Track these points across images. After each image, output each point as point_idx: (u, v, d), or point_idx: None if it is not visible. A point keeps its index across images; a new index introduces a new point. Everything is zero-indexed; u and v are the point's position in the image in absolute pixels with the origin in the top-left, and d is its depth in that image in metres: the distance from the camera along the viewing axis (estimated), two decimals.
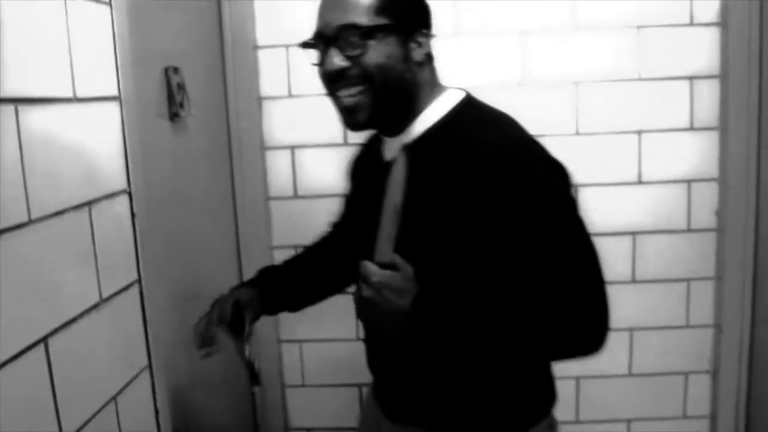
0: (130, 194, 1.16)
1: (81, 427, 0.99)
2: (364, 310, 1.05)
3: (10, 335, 0.83)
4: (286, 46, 2.02)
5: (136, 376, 1.17)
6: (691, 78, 2.04)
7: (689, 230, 2.10)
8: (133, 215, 1.17)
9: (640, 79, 2.04)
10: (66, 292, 0.96)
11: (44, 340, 0.91)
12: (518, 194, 1.08)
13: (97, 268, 1.05)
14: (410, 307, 1.04)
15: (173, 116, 1.53)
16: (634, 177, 2.08)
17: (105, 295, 1.07)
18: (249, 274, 1.51)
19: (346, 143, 2.04)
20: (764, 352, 2.06)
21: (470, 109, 1.21)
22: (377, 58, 1.10)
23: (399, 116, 1.18)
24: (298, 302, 1.48)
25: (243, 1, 1.97)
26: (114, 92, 1.12)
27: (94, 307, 1.04)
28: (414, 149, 1.13)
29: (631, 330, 2.16)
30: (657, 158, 2.07)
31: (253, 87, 2.02)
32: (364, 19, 1.09)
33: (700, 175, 2.08)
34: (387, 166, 1.12)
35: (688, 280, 2.13)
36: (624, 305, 2.13)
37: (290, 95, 2.04)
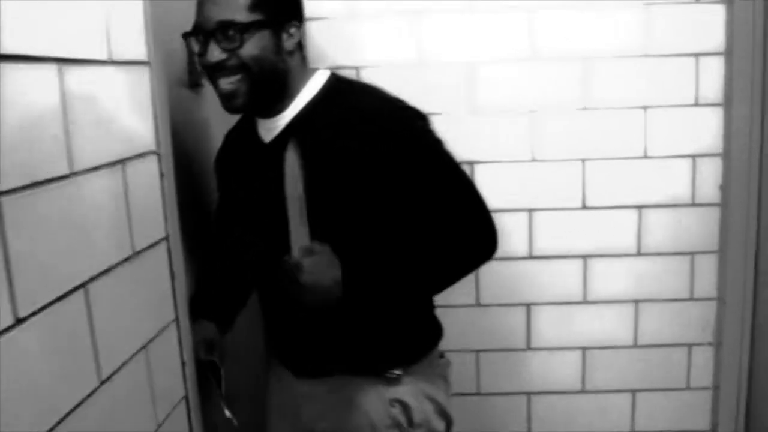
0: (158, 155, 1.22)
1: (116, 371, 1.05)
2: (299, 293, 1.21)
3: (55, 279, 0.90)
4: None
5: (164, 329, 1.24)
6: (696, 55, 2.09)
7: (694, 204, 2.16)
8: (161, 175, 1.23)
9: (646, 56, 2.09)
10: (103, 243, 1.03)
11: (85, 285, 0.97)
12: (402, 146, 1.28)
13: (129, 223, 1.11)
14: (341, 279, 1.22)
15: (194, 85, 1.59)
16: (640, 152, 2.14)
17: (137, 248, 1.13)
18: None
19: None
20: (763, 324, 2.12)
21: (339, 84, 1.39)
22: (252, 51, 1.26)
23: (274, 100, 1.34)
24: (236, 314, 1.63)
25: None
26: (144, 57, 1.18)
27: (127, 259, 1.10)
28: (295, 128, 1.33)
29: (636, 302, 2.22)
30: (662, 134, 2.12)
31: None
32: (240, 16, 1.24)
33: (704, 150, 2.14)
34: (266, 149, 1.34)
35: (692, 254, 2.19)
36: (629, 278, 2.20)
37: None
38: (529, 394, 2.30)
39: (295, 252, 1.20)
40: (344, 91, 1.37)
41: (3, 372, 0.78)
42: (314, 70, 1.39)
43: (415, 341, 1.48)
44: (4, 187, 0.79)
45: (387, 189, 1.29)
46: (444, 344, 2.19)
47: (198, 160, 1.64)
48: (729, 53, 2.08)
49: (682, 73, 2.10)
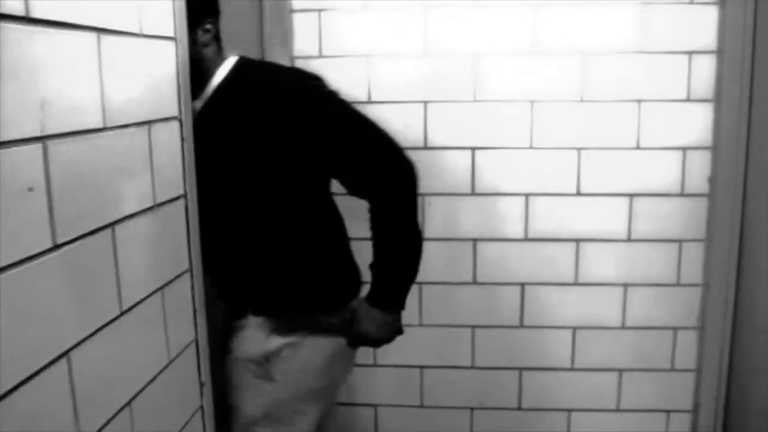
0: (180, 121, 1.39)
1: (135, 304, 1.22)
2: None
3: (88, 215, 1.06)
4: (319, 11, 2.23)
5: (179, 276, 1.40)
6: (689, 53, 2.23)
7: (683, 194, 2.30)
8: (182, 139, 1.39)
9: (642, 52, 2.23)
10: (129, 191, 1.19)
11: (112, 225, 1.13)
12: (300, 103, 1.54)
13: (153, 177, 1.27)
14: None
15: None
16: (633, 143, 2.27)
17: (158, 201, 1.29)
18: None
19: (369, 101, 2.26)
20: (748, 309, 2.25)
21: (247, 64, 1.64)
22: None
23: (194, 85, 1.47)
24: None
25: None
26: (171, 33, 1.34)
27: (150, 209, 1.27)
28: (211, 106, 1.59)
29: (625, 286, 2.36)
30: (655, 126, 2.26)
31: (287, 47, 2.24)
32: None
33: (694, 143, 2.27)
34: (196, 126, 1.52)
35: (679, 241, 2.33)
36: (619, 262, 2.34)
37: (321, 55, 2.26)
38: (520, 369, 2.44)
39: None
40: (249, 70, 1.62)
41: (40, 288, 0.94)
42: (226, 57, 1.62)
43: (335, 287, 1.74)
44: (49, 132, 0.95)
45: (298, 142, 1.55)
46: (434, 318, 2.35)
47: None
48: (720, 52, 2.21)
49: (676, 69, 2.24)
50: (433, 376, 2.47)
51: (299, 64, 2.27)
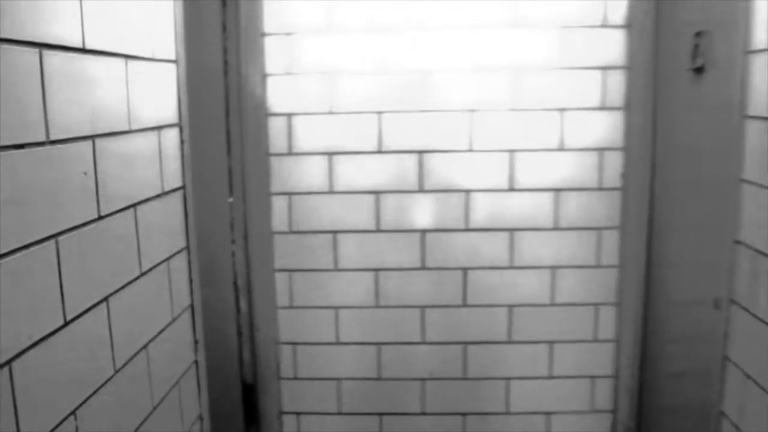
0: (180, 127, 1.76)
1: (150, 269, 1.59)
2: None
3: (118, 197, 1.43)
4: (287, 34, 2.62)
5: (179, 251, 1.77)
6: (603, 68, 2.64)
7: (600, 189, 2.71)
8: (182, 141, 1.77)
9: (563, 68, 2.64)
10: (146, 180, 1.57)
11: (135, 206, 1.51)
12: None
13: (161, 171, 1.65)
14: None
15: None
16: (557, 145, 2.68)
17: (166, 189, 1.67)
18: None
19: (331, 112, 2.64)
20: (657, 286, 2.67)
21: None
22: None
23: None
24: None
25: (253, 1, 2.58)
26: (173, 57, 1.72)
27: (158, 196, 1.64)
28: None
29: (553, 268, 2.76)
30: (575, 131, 2.67)
31: (259, 65, 2.62)
32: None
33: (609, 144, 2.68)
34: None
35: (598, 229, 2.74)
36: (548, 248, 2.74)
37: (289, 73, 2.64)
38: (465, 343, 2.83)
39: None
40: None
41: (91, 247, 1.31)
42: None
43: None
44: (98, 132, 1.33)
45: None
46: (389, 300, 2.74)
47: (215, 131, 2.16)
48: (628, 67, 2.63)
49: (592, 82, 2.65)
50: (389, 352, 2.84)
51: (270, 80, 2.64)
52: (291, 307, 2.79)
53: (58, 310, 1.20)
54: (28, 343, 1.11)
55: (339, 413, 2.88)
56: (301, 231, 2.73)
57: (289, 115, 2.68)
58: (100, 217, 1.35)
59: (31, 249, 1.11)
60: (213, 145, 2.29)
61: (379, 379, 2.86)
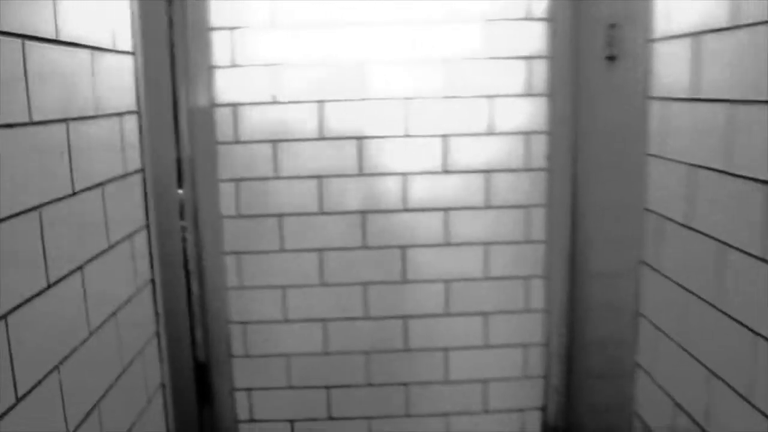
0: (139, 114, 1.92)
1: (116, 243, 1.74)
2: None
3: (86, 180, 1.59)
4: (232, 29, 2.77)
5: (140, 229, 1.93)
6: (527, 58, 2.87)
7: (527, 169, 2.94)
8: (140, 127, 1.92)
9: (491, 58, 2.86)
10: (111, 162, 1.72)
11: (103, 184, 1.66)
12: None
13: (123, 153, 1.80)
14: None
15: None
16: (486, 129, 2.90)
17: (128, 170, 1.82)
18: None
19: (275, 102, 2.81)
20: (581, 260, 2.90)
21: None
22: None
23: None
24: None
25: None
26: (131, 49, 1.88)
27: (122, 176, 1.80)
28: None
29: (485, 244, 2.98)
30: (503, 116, 2.89)
31: (206, 58, 2.77)
32: None
33: (534, 128, 2.91)
34: None
35: (527, 207, 2.97)
36: (480, 225, 2.96)
37: (234, 65, 2.80)
38: (405, 317, 3.03)
39: None
40: None
41: (72, 219, 1.46)
42: None
43: None
44: (70, 116, 1.48)
45: None
46: (333, 278, 2.92)
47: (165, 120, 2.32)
48: (550, 57, 2.86)
49: (517, 71, 2.87)
50: (334, 327, 3.03)
51: (217, 72, 2.80)
52: (240, 287, 2.95)
53: (42, 274, 1.35)
54: (20, 300, 1.26)
55: (289, 387, 3.05)
56: (248, 215, 2.89)
57: (235, 105, 2.83)
58: (74, 193, 1.50)
59: (20, 217, 1.26)
60: (162, 134, 2.43)
61: (325, 353, 3.04)
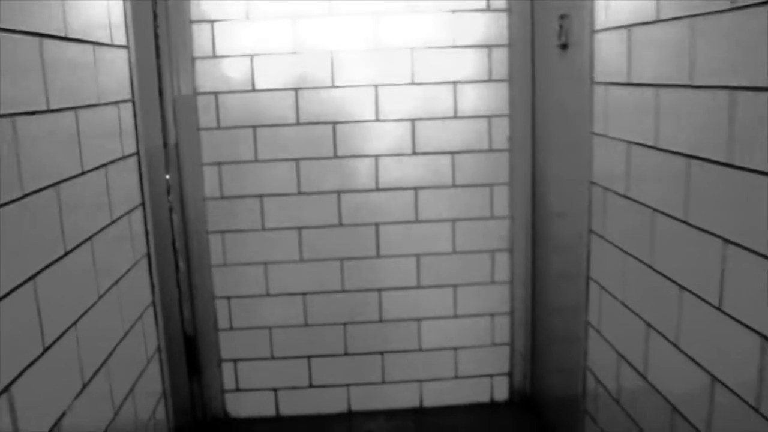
0: (133, 102, 2.14)
1: (117, 219, 1.96)
2: None
3: (92, 161, 1.81)
4: (212, 21, 2.99)
5: (136, 207, 2.15)
6: (489, 46, 3.12)
7: (490, 150, 3.19)
8: (134, 114, 2.14)
9: (454, 47, 3.11)
10: (112, 146, 1.94)
11: (105, 166, 1.88)
12: None
13: (121, 138, 2.02)
14: None
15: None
16: (451, 113, 3.15)
17: (125, 154, 2.04)
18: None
19: (254, 89, 3.04)
20: (541, 234, 3.17)
21: None
22: None
23: None
24: None
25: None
26: (125, 42, 2.09)
27: (120, 159, 2.02)
28: None
29: (453, 221, 3.24)
30: (467, 101, 3.14)
31: (188, 49, 2.99)
32: None
33: (496, 112, 3.17)
34: None
35: (491, 185, 3.22)
36: (448, 203, 3.21)
37: (214, 56, 3.03)
38: (379, 290, 3.28)
39: None
40: None
41: (77, 199, 1.69)
42: None
43: None
44: (79, 104, 1.70)
45: None
46: (312, 255, 3.15)
47: (153, 108, 2.54)
48: (511, 45, 3.11)
49: (480, 58, 3.12)
50: (313, 301, 3.27)
51: (197, 62, 3.02)
52: (224, 265, 3.19)
53: (60, 243, 1.58)
54: (45, 264, 1.48)
55: (272, 358, 3.29)
56: (230, 196, 3.13)
57: (216, 93, 3.07)
58: (83, 173, 1.72)
59: (41, 193, 1.49)
60: (150, 120, 2.64)
61: (305, 325, 3.28)
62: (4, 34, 1.35)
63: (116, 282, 1.94)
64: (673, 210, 1.81)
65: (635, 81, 1.97)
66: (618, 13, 2.06)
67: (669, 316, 1.86)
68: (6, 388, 1.30)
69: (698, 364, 1.72)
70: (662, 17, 1.80)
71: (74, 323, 1.63)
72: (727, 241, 1.57)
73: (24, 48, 1.44)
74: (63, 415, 1.55)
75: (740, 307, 1.54)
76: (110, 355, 1.85)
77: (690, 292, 1.75)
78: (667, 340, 1.89)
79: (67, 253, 1.61)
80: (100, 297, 1.81)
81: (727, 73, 1.53)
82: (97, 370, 1.76)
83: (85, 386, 1.68)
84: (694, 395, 1.74)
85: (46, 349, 1.48)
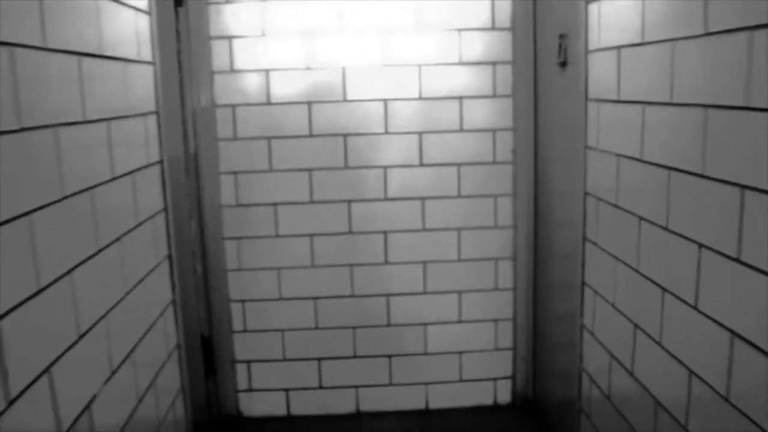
0: (158, 114, 2.32)
1: (142, 222, 2.14)
2: None
3: (122, 168, 1.98)
4: (230, 38, 3.18)
5: (159, 211, 2.33)
6: (494, 63, 3.29)
7: (495, 162, 3.35)
8: (159, 125, 2.32)
9: (461, 64, 3.28)
10: (139, 154, 2.12)
11: (132, 173, 2.06)
12: None
13: (147, 147, 2.20)
14: None
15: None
16: (458, 127, 3.31)
17: (150, 161, 2.22)
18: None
19: (269, 102, 3.22)
20: (544, 243, 3.32)
21: None
22: None
23: None
24: None
25: (200, 4, 3.12)
26: (151, 59, 2.28)
27: (146, 166, 2.20)
28: None
29: (459, 229, 3.40)
30: (473, 115, 3.31)
31: (207, 64, 3.17)
32: None
33: (501, 125, 3.33)
34: None
35: (495, 196, 3.38)
36: (453, 212, 3.38)
37: (232, 70, 3.21)
38: (387, 295, 3.44)
39: None
40: None
41: (107, 201, 1.87)
42: None
43: None
44: (111, 116, 1.88)
45: None
46: (323, 261, 3.31)
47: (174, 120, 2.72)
48: (514, 62, 3.28)
49: (485, 75, 3.29)
50: (324, 305, 3.43)
51: (216, 76, 3.20)
52: (239, 269, 3.36)
53: (93, 240, 1.75)
54: (84, 257, 1.66)
55: (284, 359, 3.46)
56: (246, 204, 3.30)
57: (233, 106, 3.25)
58: (114, 179, 1.90)
59: (80, 195, 1.66)
60: (172, 131, 2.82)
61: (316, 328, 3.45)
62: (50, 54, 1.53)
63: (141, 280, 2.11)
64: (656, 218, 1.97)
65: (624, 98, 2.14)
66: (609, 35, 2.23)
67: (653, 317, 2.02)
68: (47, 369, 1.47)
69: (678, 359, 1.88)
70: (647, 40, 1.96)
71: (104, 315, 1.80)
72: (701, 245, 1.73)
73: (66, 66, 1.62)
74: (94, 397, 1.72)
75: (714, 306, 1.70)
76: (135, 347, 2.03)
77: (670, 293, 1.91)
78: (651, 338, 2.04)
79: (99, 251, 1.78)
80: (127, 293, 1.98)
81: (701, 92, 1.70)
82: (124, 360, 1.93)
83: (113, 373, 1.85)
84: (675, 389, 1.90)
85: (80, 337, 1.65)
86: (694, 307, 1.78)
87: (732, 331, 1.62)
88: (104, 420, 1.78)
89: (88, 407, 1.68)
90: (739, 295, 1.58)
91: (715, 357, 1.69)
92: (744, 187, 1.53)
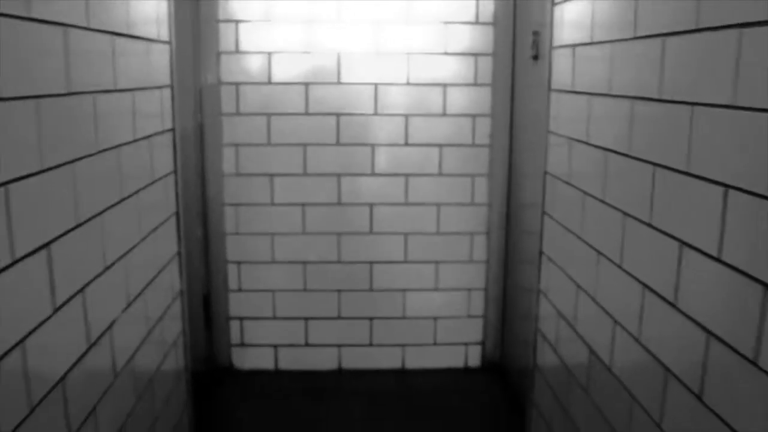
0: (172, 87, 2.68)
1: (156, 180, 2.51)
2: None
3: (142, 131, 2.35)
4: (236, 21, 3.54)
5: (170, 173, 2.69)
6: (476, 54, 3.65)
7: (473, 145, 3.72)
8: (172, 97, 2.68)
9: (445, 54, 3.64)
10: (155, 121, 2.48)
11: (150, 137, 2.42)
12: None
13: (162, 116, 2.57)
14: None
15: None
16: (441, 111, 3.68)
17: (165, 128, 2.58)
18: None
19: (270, 82, 3.58)
20: (515, 219, 3.69)
21: None
22: None
23: None
24: None
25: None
26: (167, 39, 2.64)
27: (160, 132, 2.56)
28: None
29: (438, 205, 3.77)
30: (455, 100, 3.68)
31: (214, 44, 3.53)
32: None
33: (480, 111, 3.70)
34: None
35: (472, 176, 3.76)
36: (434, 190, 3.75)
37: (237, 51, 3.57)
38: (371, 263, 3.81)
39: None
40: None
41: (131, 157, 2.24)
42: None
43: None
44: (136, 86, 2.24)
45: None
46: (313, 228, 3.68)
47: (188, 94, 3.08)
48: (494, 54, 3.64)
49: (467, 65, 3.66)
50: (312, 269, 3.80)
51: (222, 57, 3.56)
52: (237, 233, 3.73)
53: (118, 190, 2.12)
54: (108, 205, 2.03)
55: (274, 318, 3.84)
56: (245, 174, 3.67)
57: (237, 84, 3.61)
58: (135, 140, 2.26)
59: (110, 151, 2.03)
60: (182, 105, 3.18)
61: (305, 290, 3.82)
62: (92, 33, 1.89)
63: (153, 230, 2.48)
64: (597, 193, 2.34)
65: (576, 89, 2.51)
66: (568, 34, 2.60)
67: (591, 278, 2.40)
68: (81, 290, 1.84)
69: (606, 311, 2.26)
70: (594, 40, 2.33)
71: (124, 254, 2.17)
72: (626, 214, 2.10)
73: (103, 43, 1.99)
74: (114, 322, 2.10)
75: (632, 263, 2.07)
76: (146, 286, 2.40)
77: (604, 256, 2.28)
78: (592, 298, 2.42)
79: (122, 200, 2.15)
80: (142, 239, 2.35)
81: (630, 87, 2.07)
82: (138, 295, 2.31)
83: (129, 304, 2.23)
84: (603, 336, 2.27)
85: (106, 269, 2.02)
86: (619, 266, 2.15)
87: (646, 285, 1.99)
88: (121, 342, 2.15)
89: (110, 328, 2.06)
90: (652, 255, 1.95)
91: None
92: (656, 164, 1.90)
